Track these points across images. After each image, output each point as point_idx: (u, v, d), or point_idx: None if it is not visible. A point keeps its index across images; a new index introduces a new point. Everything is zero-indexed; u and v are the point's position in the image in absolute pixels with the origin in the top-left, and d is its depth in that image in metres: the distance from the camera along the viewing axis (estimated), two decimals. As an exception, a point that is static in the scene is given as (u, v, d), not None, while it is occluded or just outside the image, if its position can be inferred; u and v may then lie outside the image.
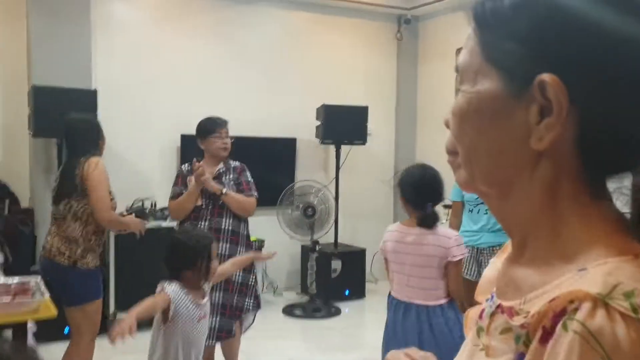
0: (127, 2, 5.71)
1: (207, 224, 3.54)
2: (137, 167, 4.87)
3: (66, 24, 5.28)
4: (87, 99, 4.98)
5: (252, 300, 3.67)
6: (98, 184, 3.33)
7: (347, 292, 6.14)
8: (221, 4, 6.08)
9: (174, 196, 3.66)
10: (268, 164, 5.87)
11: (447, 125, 0.74)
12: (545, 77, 0.61)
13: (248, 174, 3.76)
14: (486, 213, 3.76)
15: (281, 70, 6.42)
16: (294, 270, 6.53)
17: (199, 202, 3.56)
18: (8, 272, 4.44)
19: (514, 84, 0.65)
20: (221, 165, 3.70)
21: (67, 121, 3.64)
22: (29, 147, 5.38)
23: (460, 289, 2.84)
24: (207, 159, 3.70)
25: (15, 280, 2.75)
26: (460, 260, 2.81)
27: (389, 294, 2.95)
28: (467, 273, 3.83)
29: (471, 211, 3.87)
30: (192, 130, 5.14)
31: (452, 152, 0.74)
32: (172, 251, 2.65)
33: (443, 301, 2.79)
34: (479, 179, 0.70)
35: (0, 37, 5.35)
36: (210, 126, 3.70)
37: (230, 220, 3.59)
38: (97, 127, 3.66)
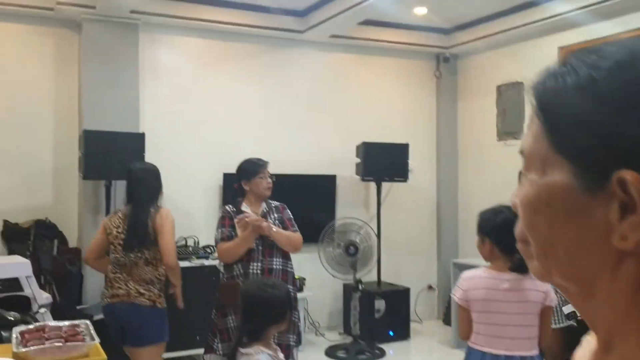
0: (173, 48, 5.88)
1: (259, 264, 3.56)
2: (180, 206, 4.95)
3: (116, 71, 5.47)
4: (135, 142, 5.13)
5: (294, 337, 3.67)
6: (169, 234, 3.59)
7: (391, 333, 6.06)
8: (262, 48, 6.22)
9: (223, 238, 3.65)
10: (308, 201, 5.90)
11: (514, 209, 0.68)
12: (626, 175, 0.54)
13: (289, 212, 3.81)
14: None
15: (322, 109, 6.50)
16: (336, 309, 6.49)
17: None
18: (56, 312, 4.54)
19: (589, 178, 0.58)
20: (264, 205, 3.75)
21: (130, 170, 3.82)
22: (79, 188, 5.54)
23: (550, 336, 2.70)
24: (251, 199, 3.74)
25: (66, 323, 2.80)
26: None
27: (469, 347, 2.69)
28: None
29: None
30: (234, 169, 5.26)
31: (523, 240, 0.67)
32: (257, 309, 2.47)
33: (537, 351, 2.65)
34: (556, 274, 0.63)
35: (54, 83, 5.54)
36: (254, 168, 3.77)
37: (280, 260, 3.62)
38: (159, 176, 3.84)
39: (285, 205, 3.82)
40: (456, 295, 2.67)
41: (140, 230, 3.57)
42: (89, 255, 3.87)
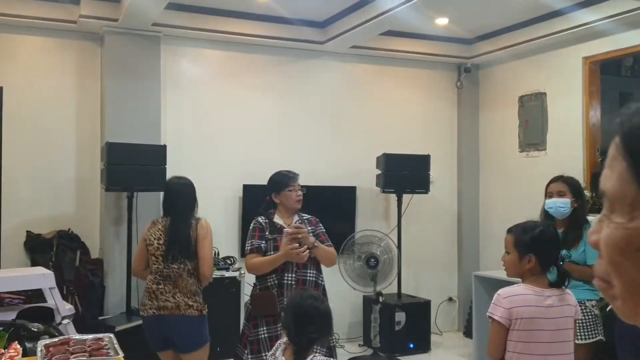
0: (194, 60, 5.92)
1: (293, 275, 3.54)
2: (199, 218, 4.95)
3: (138, 83, 5.52)
4: (157, 154, 5.17)
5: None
6: (209, 245, 3.75)
7: (411, 345, 6.02)
8: (283, 59, 6.24)
9: (253, 250, 3.62)
10: (328, 212, 5.85)
11: (595, 246, 0.66)
12: None
13: (322, 225, 3.79)
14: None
15: (342, 120, 6.50)
16: (356, 321, 6.46)
17: None
18: (78, 323, 4.57)
19: None
20: (296, 217, 3.73)
21: (168, 183, 3.99)
22: (101, 199, 5.58)
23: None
24: (281, 211, 3.73)
25: (90, 337, 2.80)
26: None
27: None
28: None
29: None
30: (254, 180, 5.28)
31: (604, 279, 0.66)
32: (309, 321, 2.47)
33: None
34: None
35: (76, 95, 5.60)
36: (283, 180, 3.74)
37: (314, 272, 3.61)
38: (194, 189, 3.92)
39: (317, 219, 3.79)
40: (496, 314, 2.57)
41: (183, 241, 3.66)
42: (136, 268, 3.95)
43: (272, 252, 3.56)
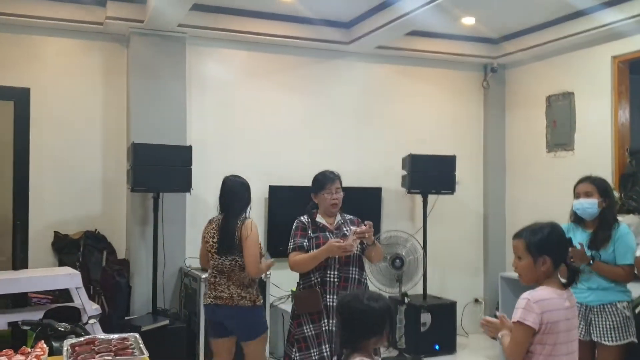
0: (219, 60, 5.94)
1: (336, 273, 3.55)
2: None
3: (163, 84, 5.55)
4: (183, 155, 5.20)
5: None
6: (253, 245, 3.82)
7: (437, 347, 5.96)
8: (308, 59, 6.23)
9: (295, 248, 3.64)
10: (354, 213, 5.82)
11: None
12: None
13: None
14: (596, 274, 3.58)
15: (367, 120, 6.47)
16: (381, 322, 6.40)
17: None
18: (105, 323, 4.61)
19: None
20: (339, 217, 3.73)
21: (224, 182, 4.07)
22: (127, 200, 5.62)
23: None
24: (322, 211, 3.74)
25: (115, 336, 2.82)
26: None
27: None
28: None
29: (583, 271, 3.66)
30: (280, 182, 5.28)
31: None
32: (354, 320, 2.40)
33: None
34: None
35: (102, 96, 5.65)
36: (323, 181, 3.73)
37: (357, 269, 3.61)
38: (249, 190, 4.06)
39: (359, 220, 3.78)
40: (528, 319, 2.48)
41: (228, 238, 3.84)
42: (203, 264, 4.21)
43: (314, 250, 3.57)
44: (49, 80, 5.47)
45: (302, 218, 3.74)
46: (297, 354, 3.55)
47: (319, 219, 3.71)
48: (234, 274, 3.87)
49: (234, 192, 3.96)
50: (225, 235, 3.85)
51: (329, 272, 3.55)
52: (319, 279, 3.56)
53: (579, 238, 3.64)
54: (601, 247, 3.58)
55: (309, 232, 3.65)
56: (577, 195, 3.70)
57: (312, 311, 3.53)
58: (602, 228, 3.63)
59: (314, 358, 3.51)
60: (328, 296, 3.52)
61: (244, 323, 3.85)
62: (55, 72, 5.51)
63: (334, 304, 3.47)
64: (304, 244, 3.61)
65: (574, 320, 2.59)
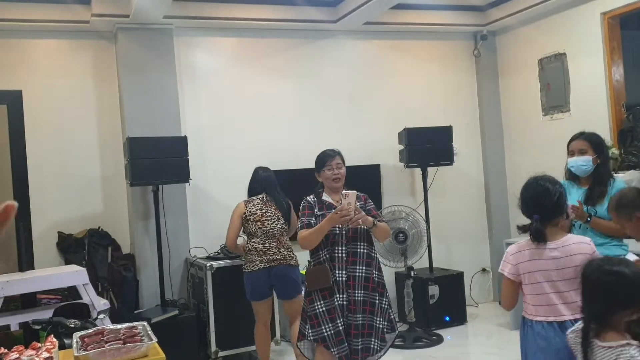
0: (208, 49, 5.92)
1: (344, 249, 3.57)
2: (227, 206, 4.97)
3: (154, 76, 5.54)
4: (178, 146, 5.19)
5: (385, 323, 3.65)
6: (295, 216, 4.48)
7: (447, 318, 5.98)
8: (296, 41, 6.21)
9: (302, 226, 3.68)
10: (355, 193, 5.87)
11: None
12: None
13: (371, 201, 3.81)
14: (587, 228, 3.59)
15: (361, 98, 6.46)
16: (390, 298, 6.42)
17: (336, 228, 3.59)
18: (115, 317, 4.64)
19: None
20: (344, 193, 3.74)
21: (257, 169, 4.87)
22: (127, 195, 5.63)
23: None
24: (327, 189, 3.77)
25: (123, 326, 2.84)
26: None
27: None
28: None
29: (574, 225, 3.67)
30: (277, 166, 5.27)
31: None
32: (598, 292, 2.24)
33: None
34: None
35: (95, 94, 5.65)
36: (323, 159, 3.79)
37: (365, 244, 3.62)
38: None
39: (365, 195, 3.79)
40: None
41: (285, 207, 4.66)
42: (232, 241, 4.66)
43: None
44: (40, 82, 5.47)
45: (308, 198, 3.78)
46: (310, 331, 3.58)
47: (325, 197, 3.74)
48: (283, 238, 4.59)
49: (269, 176, 4.79)
50: (281, 205, 4.64)
51: (337, 248, 3.57)
52: (327, 256, 3.58)
53: (575, 195, 3.64)
54: (597, 203, 3.57)
55: (316, 210, 3.68)
56: (571, 153, 3.69)
57: (322, 287, 3.56)
58: (597, 184, 3.62)
59: (326, 333, 3.53)
60: (337, 272, 3.55)
61: (293, 280, 4.50)
62: (45, 73, 5.50)
63: (344, 278, 3.52)
64: (312, 221, 3.64)
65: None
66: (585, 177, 3.66)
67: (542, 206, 2.74)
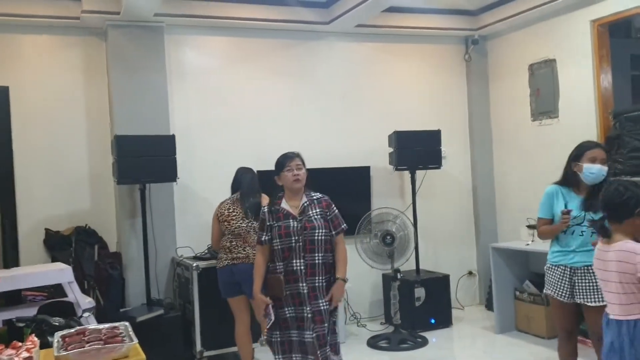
0: (199, 48, 5.91)
1: (302, 261, 3.56)
2: (214, 205, 4.98)
3: (144, 74, 5.53)
4: (166, 145, 5.18)
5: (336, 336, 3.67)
6: None
7: (432, 321, 6.00)
8: (288, 42, 6.21)
9: (258, 241, 3.71)
10: (343, 193, 5.84)
11: None
12: None
13: (334, 207, 3.76)
14: (581, 235, 3.61)
15: (351, 100, 6.46)
16: (376, 300, 6.46)
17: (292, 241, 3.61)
18: (100, 316, 4.63)
19: None
20: (305, 198, 3.70)
21: (238, 170, 4.97)
22: (115, 193, 5.62)
23: None
24: (287, 193, 3.73)
25: (105, 326, 2.83)
26: None
27: None
28: (559, 294, 3.67)
29: (565, 232, 3.69)
30: (266, 166, 5.26)
31: None
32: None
33: None
34: None
35: (84, 91, 5.63)
36: (282, 161, 3.75)
37: (322, 255, 3.60)
38: (255, 173, 4.99)
39: (329, 200, 3.75)
40: None
41: (254, 206, 4.60)
42: (216, 242, 4.81)
43: (277, 240, 3.60)
44: (27, 78, 5.45)
45: (264, 209, 3.76)
46: (266, 330, 3.66)
47: (284, 204, 3.69)
48: (249, 236, 4.58)
49: (245, 174, 4.87)
50: (246, 205, 4.67)
51: (294, 261, 3.56)
52: (283, 269, 3.58)
53: (574, 202, 3.67)
54: (598, 211, 3.59)
55: (271, 221, 3.65)
56: (591, 160, 3.62)
57: (276, 297, 3.59)
58: (596, 193, 3.57)
59: (274, 339, 3.61)
60: (300, 284, 3.55)
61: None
62: (33, 69, 5.48)
63: (306, 291, 3.54)
64: (263, 239, 3.65)
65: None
66: (583, 184, 3.67)
67: (610, 205, 2.88)
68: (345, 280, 3.67)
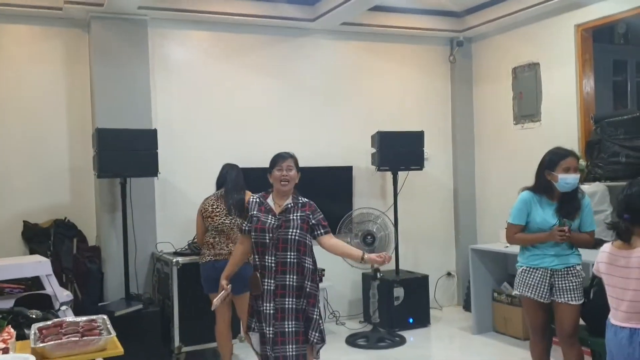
0: (182, 42, 5.88)
1: (273, 259, 3.53)
2: (195, 201, 4.96)
3: (126, 68, 5.48)
4: (148, 139, 5.14)
5: (316, 334, 3.63)
6: None
7: (411, 320, 6.03)
8: (272, 38, 6.19)
9: (240, 230, 3.76)
10: (325, 192, 5.88)
11: None
12: None
13: (320, 212, 3.70)
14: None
15: (335, 99, 6.47)
16: (356, 299, 6.47)
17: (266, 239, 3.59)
18: (78, 309, 4.59)
19: None
20: (289, 200, 3.66)
21: (224, 166, 4.97)
22: (95, 187, 5.57)
23: None
24: (274, 192, 3.71)
25: (83, 319, 2.81)
26: None
27: None
28: (539, 295, 3.71)
29: None
30: (248, 163, 5.27)
31: None
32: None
33: None
34: None
35: (65, 83, 5.57)
36: (275, 160, 3.72)
37: (295, 254, 3.55)
38: (240, 170, 4.98)
39: (314, 206, 3.70)
40: None
41: (238, 204, 4.66)
42: (200, 238, 4.84)
43: (253, 234, 3.58)
44: (7, 69, 5.39)
45: (253, 198, 3.75)
46: (256, 325, 3.65)
47: (270, 200, 3.68)
48: (233, 233, 4.62)
49: (231, 171, 4.87)
50: (230, 201, 4.70)
51: (266, 257, 3.54)
52: (258, 263, 3.58)
53: (549, 209, 3.72)
54: (575, 216, 3.67)
55: (254, 211, 3.65)
56: (565, 169, 3.65)
57: (255, 292, 3.60)
58: (571, 199, 3.69)
59: (251, 325, 3.65)
60: (266, 280, 3.54)
61: (238, 276, 3.97)
62: (14, 59, 5.41)
63: (272, 287, 3.51)
64: (244, 227, 3.66)
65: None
66: (557, 192, 3.71)
67: (633, 207, 2.83)
68: (364, 257, 3.58)
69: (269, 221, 3.57)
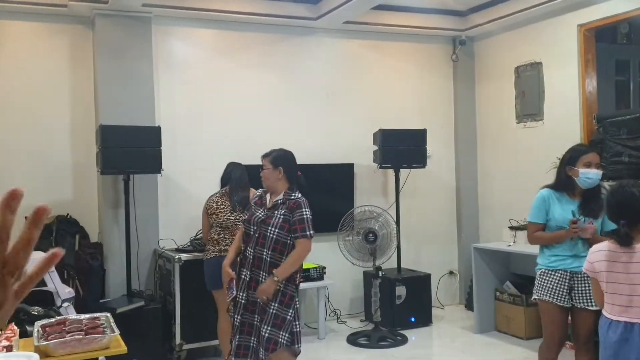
0: (186, 39, 5.88)
1: (252, 251, 3.60)
2: (198, 198, 4.97)
3: (130, 65, 5.49)
4: (151, 136, 5.14)
5: (285, 334, 3.52)
6: None
7: (412, 319, 6.04)
8: (276, 36, 6.19)
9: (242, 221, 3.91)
10: (327, 190, 5.91)
11: None
12: None
13: (304, 210, 3.58)
14: (581, 240, 3.54)
15: (338, 97, 6.47)
16: (357, 297, 6.48)
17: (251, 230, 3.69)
18: (79, 306, 4.60)
19: None
20: (281, 196, 3.67)
21: (228, 164, 5.02)
22: (98, 184, 5.58)
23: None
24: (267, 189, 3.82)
25: (86, 316, 2.82)
26: None
27: None
28: (558, 298, 3.56)
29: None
30: (251, 160, 5.26)
31: None
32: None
33: None
34: None
35: (69, 80, 5.58)
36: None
37: (269, 252, 3.55)
38: (244, 168, 5.00)
39: (301, 203, 3.60)
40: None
41: (243, 201, 4.68)
42: (205, 234, 4.92)
43: (245, 224, 3.76)
44: (12, 65, 5.39)
45: (258, 191, 3.93)
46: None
47: (268, 195, 3.78)
48: (237, 229, 4.39)
49: (236, 169, 4.93)
50: (238, 198, 4.74)
51: (248, 248, 3.64)
52: (242, 254, 3.72)
53: (570, 207, 3.58)
54: (599, 215, 3.54)
55: (252, 203, 3.83)
56: (586, 164, 3.55)
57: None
58: (594, 197, 3.57)
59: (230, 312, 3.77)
60: (244, 270, 3.63)
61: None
62: (19, 56, 5.41)
63: (247, 279, 3.60)
64: (245, 217, 3.84)
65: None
66: (579, 189, 3.61)
67: (629, 211, 2.87)
68: (276, 280, 3.47)
69: (257, 214, 3.67)
